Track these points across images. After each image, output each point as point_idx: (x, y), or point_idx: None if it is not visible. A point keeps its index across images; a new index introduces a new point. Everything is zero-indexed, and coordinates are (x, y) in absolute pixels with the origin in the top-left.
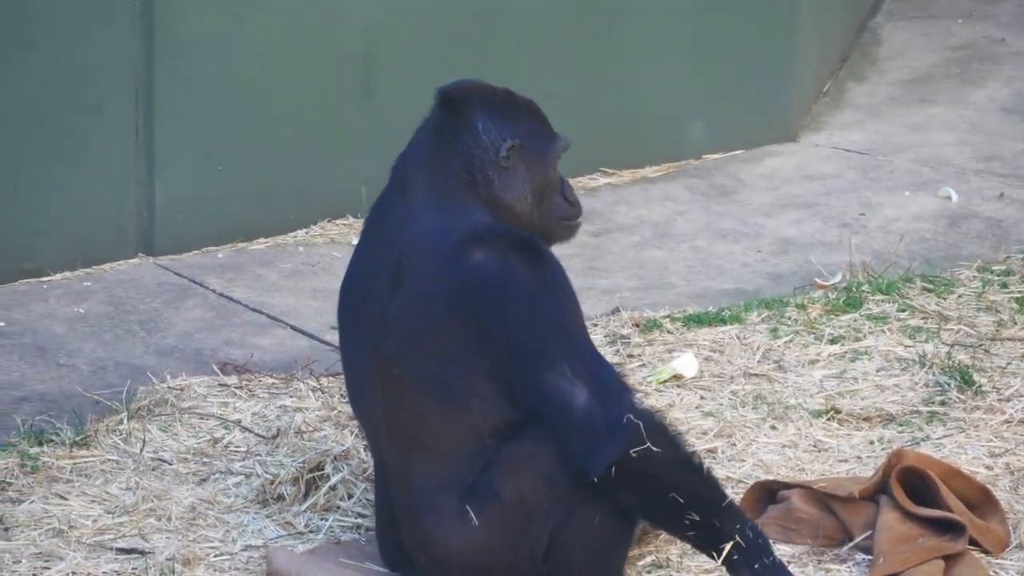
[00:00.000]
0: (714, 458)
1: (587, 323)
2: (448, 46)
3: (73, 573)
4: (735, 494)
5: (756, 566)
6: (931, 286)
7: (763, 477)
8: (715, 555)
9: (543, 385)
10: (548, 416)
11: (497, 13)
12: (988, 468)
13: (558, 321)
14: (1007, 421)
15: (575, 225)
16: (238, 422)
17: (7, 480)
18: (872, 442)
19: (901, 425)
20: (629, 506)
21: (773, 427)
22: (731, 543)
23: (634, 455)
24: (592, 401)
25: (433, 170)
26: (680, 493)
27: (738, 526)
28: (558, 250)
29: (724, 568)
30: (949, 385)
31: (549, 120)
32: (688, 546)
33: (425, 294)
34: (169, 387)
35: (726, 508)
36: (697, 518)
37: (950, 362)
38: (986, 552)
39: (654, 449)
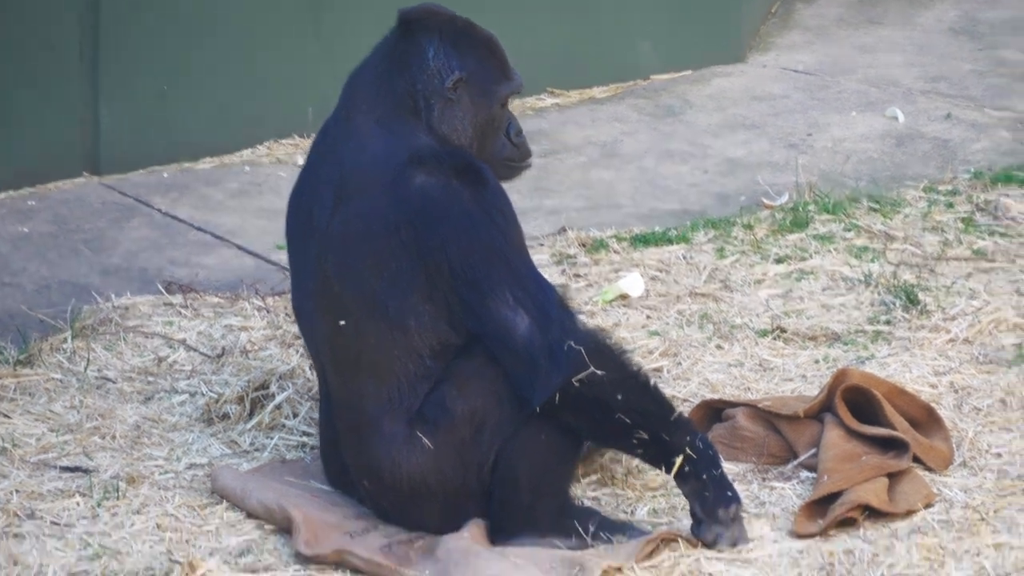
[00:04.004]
0: (660, 377)
1: (534, 243)
2: None
3: (17, 491)
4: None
5: (704, 476)
6: (877, 206)
7: (708, 396)
8: (665, 468)
9: (485, 311)
10: (490, 343)
11: None
12: (932, 387)
13: (499, 247)
14: (951, 340)
15: (518, 167)
16: (183, 341)
17: None
18: (817, 361)
19: (846, 344)
20: (576, 428)
21: (719, 346)
22: (682, 456)
23: (577, 382)
24: (533, 328)
25: (379, 91)
26: (627, 413)
27: (688, 438)
28: None
29: (673, 480)
30: (894, 304)
31: (507, 57)
32: (634, 463)
33: (365, 213)
34: (114, 306)
35: (675, 422)
36: (646, 436)
37: (895, 281)
38: (930, 470)
39: (598, 373)
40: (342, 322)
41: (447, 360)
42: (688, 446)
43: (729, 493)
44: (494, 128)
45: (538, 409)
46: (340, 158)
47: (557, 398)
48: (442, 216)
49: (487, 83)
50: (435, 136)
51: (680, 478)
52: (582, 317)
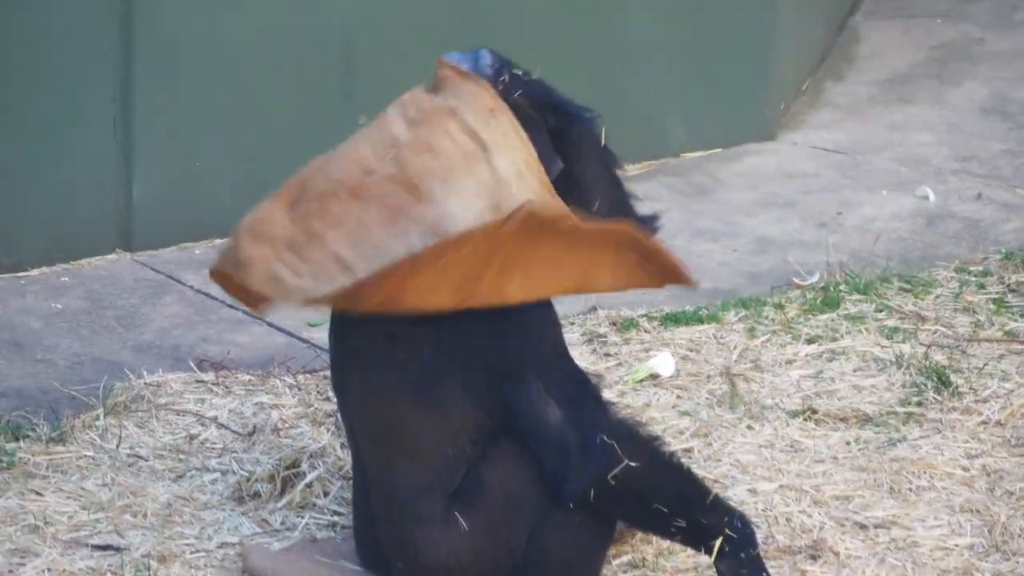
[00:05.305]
0: (690, 458)
1: (564, 322)
2: (430, 46)
3: (49, 569)
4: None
5: (742, 555)
6: (908, 286)
7: (739, 477)
8: (705, 550)
9: (517, 403)
10: (523, 435)
11: (478, 13)
12: (964, 469)
13: (531, 336)
14: (984, 422)
15: None
16: (214, 419)
17: None
18: (849, 443)
19: (878, 426)
20: (612, 516)
21: (750, 427)
22: (721, 538)
23: (611, 478)
24: (565, 421)
25: None
26: (663, 501)
27: (726, 519)
28: None
29: (709, 559)
30: (926, 386)
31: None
32: (664, 545)
33: None
34: (146, 383)
35: (711, 504)
36: (683, 523)
37: (927, 363)
38: None
39: (631, 464)
40: (381, 405)
41: (484, 440)
42: (727, 527)
43: (764, 574)
44: None
45: (571, 505)
46: None
47: (592, 492)
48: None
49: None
50: None
51: (718, 556)
52: (614, 406)
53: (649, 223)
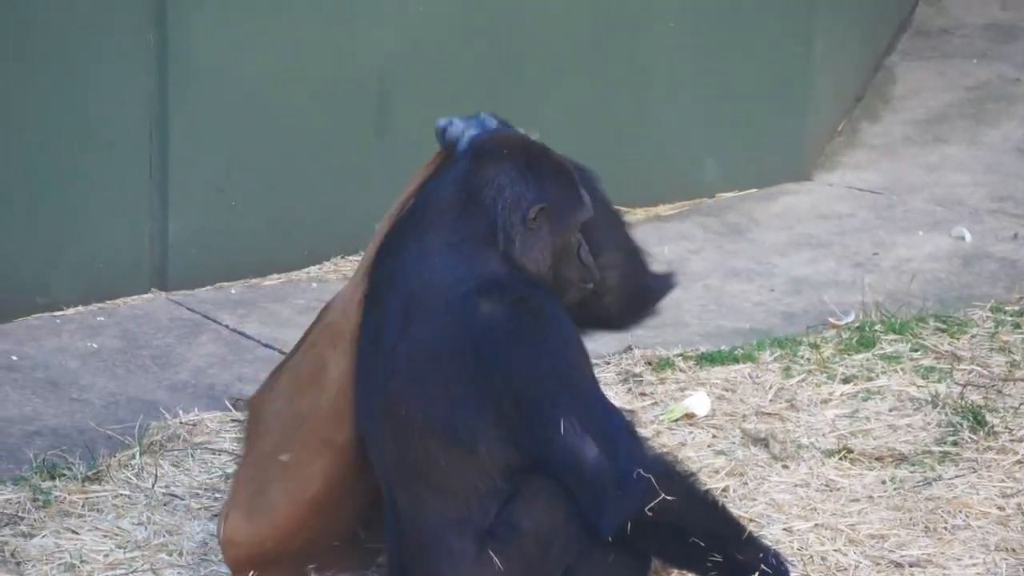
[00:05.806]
0: (726, 497)
1: (600, 361)
2: (463, 84)
3: None
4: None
5: None
6: (944, 326)
7: (775, 516)
8: None
9: (551, 440)
10: (557, 471)
11: (512, 50)
12: (1000, 509)
13: (565, 374)
14: (1019, 462)
15: (586, 288)
16: None
17: (19, 514)
18: (884, 482)
19: (913, 465)
20: (647, 551)
21: (785, 466)
22: (757, 573)
23: (648, 511)
24: (601, 456)
25: (455, 220)
26: (699, 536)
27: (760, 555)
28: None
29: None
30: (961, 425)
31: (576, 182)
32: None
33: (433, 339)
34: (181, 422)
35: (746, 541)
36: (719, 558)
37: (963, 402)
38: None
39: (668, 499)
40: (410, 443)
41: (517, 476)
42: (763, 563)
43: None
44: (569, 251)
45: (609, 539)
46: (409, 279)
47: (628, 526)
48: (507, 346)
49: (564, 210)
50: (512, 264)
51: None
52: (649, 442)
53: (665, 280)
